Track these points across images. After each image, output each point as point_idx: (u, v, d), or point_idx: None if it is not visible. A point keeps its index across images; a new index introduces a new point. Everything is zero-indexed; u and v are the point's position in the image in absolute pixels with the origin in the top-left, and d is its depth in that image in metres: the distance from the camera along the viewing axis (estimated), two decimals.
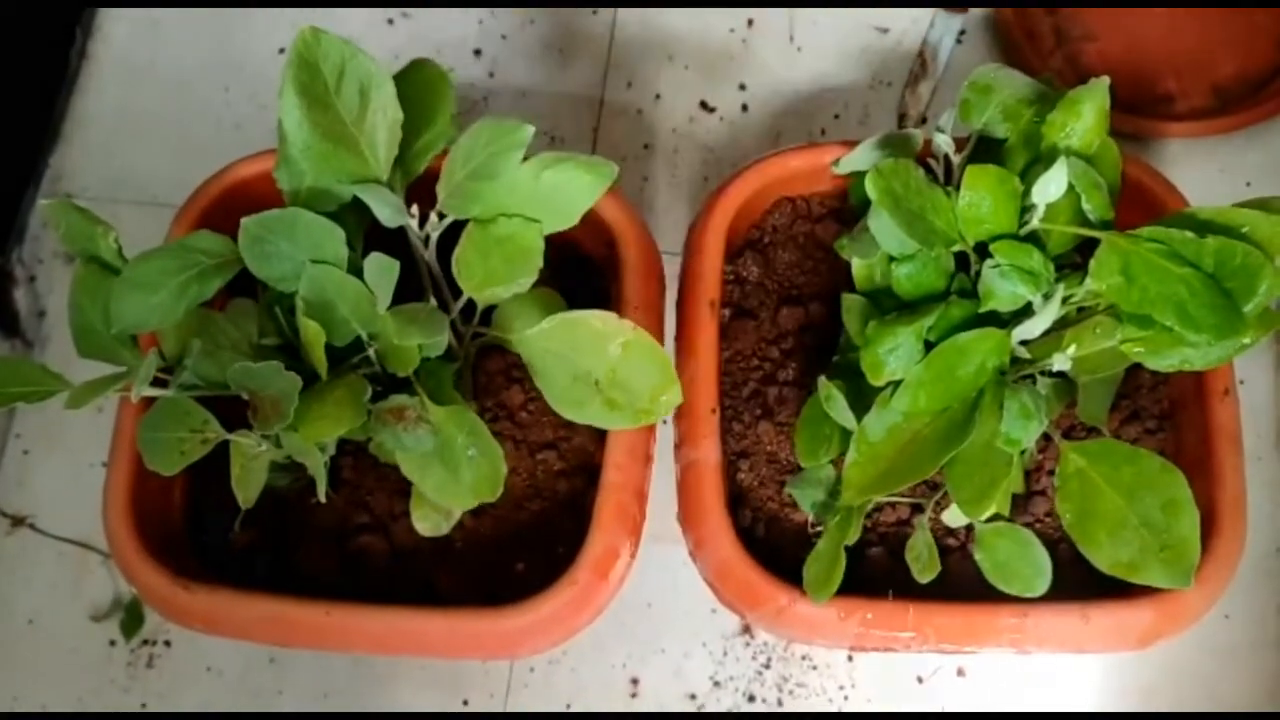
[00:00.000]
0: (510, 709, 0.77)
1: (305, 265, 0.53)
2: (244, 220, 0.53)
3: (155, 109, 0.93)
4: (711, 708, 0.77)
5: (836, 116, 0.92)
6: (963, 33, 0.93)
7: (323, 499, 0.55)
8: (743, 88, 0.93)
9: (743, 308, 0.69)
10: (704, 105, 0.92)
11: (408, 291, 0.56)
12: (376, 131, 0.52)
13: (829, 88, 0.93)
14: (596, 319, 0.53)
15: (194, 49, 0.95)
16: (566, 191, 0.53)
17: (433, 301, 0.58)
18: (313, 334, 0.52)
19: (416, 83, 0.57)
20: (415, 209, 0.55)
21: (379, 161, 0.53)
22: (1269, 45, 0.90)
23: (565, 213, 0.54)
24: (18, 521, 0.82)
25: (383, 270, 0.53)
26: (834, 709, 0.76)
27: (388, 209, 0.53)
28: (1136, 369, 0.66)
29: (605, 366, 0.53)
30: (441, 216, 0.55)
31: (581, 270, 0.71)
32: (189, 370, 0.54)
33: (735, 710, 0.76)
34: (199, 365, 0.55)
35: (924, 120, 0.91)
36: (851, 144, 0.64)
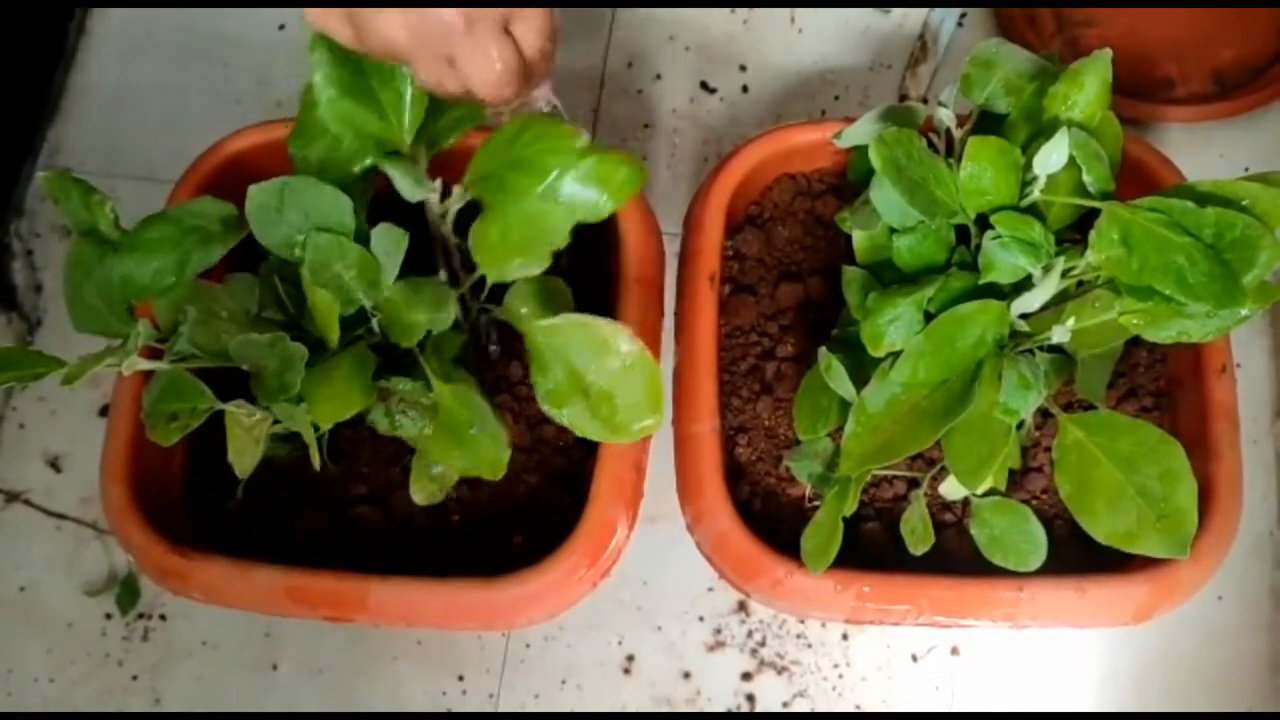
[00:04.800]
0: (505, 685, 0.77)
1: (310, 233, 0.53)
2: (251, 187, 0.53)
3: (153, 84, 0.93)
4: (706, 686, 0.77)
5: (837, 98, 0.92)
6: (964, 16, 0.93)
7: (317, 467, 0.55)
8: (743, 69, 0.92)
9: (742, 283, 0.69)
10: (704, 86, 0.92)
11: (411, 262, 0.55)
12: (403, 96, 0.52)
13: (830, 69, 0.92)
14: (607, 327, 0.51)
15: (193, 25, 0.94)
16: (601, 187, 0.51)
17: (443, 275, 0.58)
18: (324, 303, 0.51)
19: None
20: (438, 182, 0.54)
21: (403, 126, 0.53)
22: (1269, 31, 0.90)
23: (592, 209, 0.52)
24: (12, 497, 0.82)
25: (392, 241, 0.52)
26: (829, 686, 0.76)
27: (410, 182, 0.52)
28: (1134, 347, 0.67)
29: (602, 377, 0.52)
30: (466, 190, 0.54)
31: (580, 245, 0.71)
32: (184, 338, 0.54)
33: (729, 701, 0.77)
34: (195, 333, 0.54)
35: (924, 103, 0.90)
36: (853, 120, 0.64)
